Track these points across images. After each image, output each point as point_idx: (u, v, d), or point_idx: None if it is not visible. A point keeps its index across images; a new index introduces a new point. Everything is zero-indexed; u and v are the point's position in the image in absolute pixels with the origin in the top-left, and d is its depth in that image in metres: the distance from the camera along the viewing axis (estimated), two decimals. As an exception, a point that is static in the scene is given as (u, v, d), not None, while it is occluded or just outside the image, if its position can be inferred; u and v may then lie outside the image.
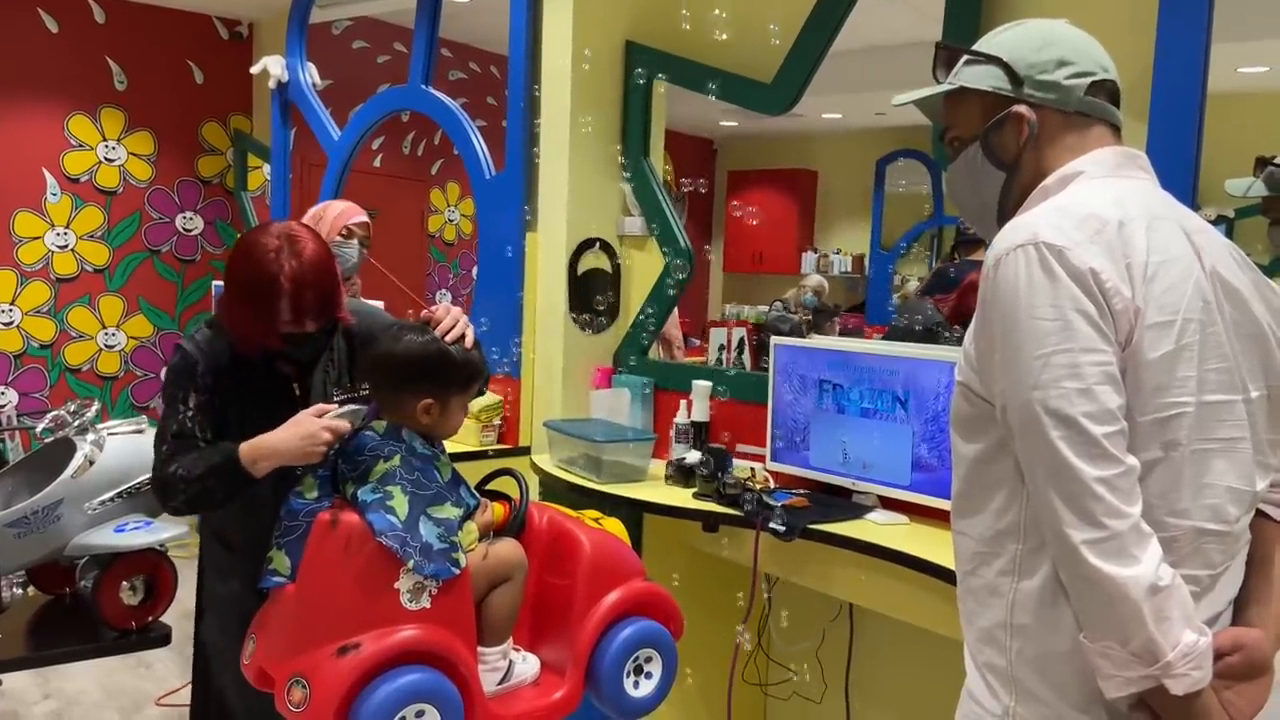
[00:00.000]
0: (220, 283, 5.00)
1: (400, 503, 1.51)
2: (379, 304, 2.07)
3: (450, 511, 1.56)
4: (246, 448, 1.61)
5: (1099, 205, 1.10)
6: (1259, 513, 1.18)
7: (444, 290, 6.51)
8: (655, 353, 3.80)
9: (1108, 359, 1.04)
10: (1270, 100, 4.15)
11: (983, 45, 1.24)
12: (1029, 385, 1.04)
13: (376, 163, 6.07)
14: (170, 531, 3.08)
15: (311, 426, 1.58)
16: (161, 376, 5.48)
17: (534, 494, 1.86)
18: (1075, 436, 1.01)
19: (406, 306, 5.66)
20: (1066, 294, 1.04)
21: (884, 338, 3.37)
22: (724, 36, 2.81)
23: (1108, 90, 1.21)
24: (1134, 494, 1.02)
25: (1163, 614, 0.99)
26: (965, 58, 1.24)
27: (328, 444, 1.58)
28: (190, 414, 1.71)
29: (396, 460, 1.56)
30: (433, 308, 1.68)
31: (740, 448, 2.67)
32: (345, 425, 1.59)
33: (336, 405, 1.67)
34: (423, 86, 3.68)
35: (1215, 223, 3.64)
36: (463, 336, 1.66)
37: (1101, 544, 1.00)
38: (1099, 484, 1.00)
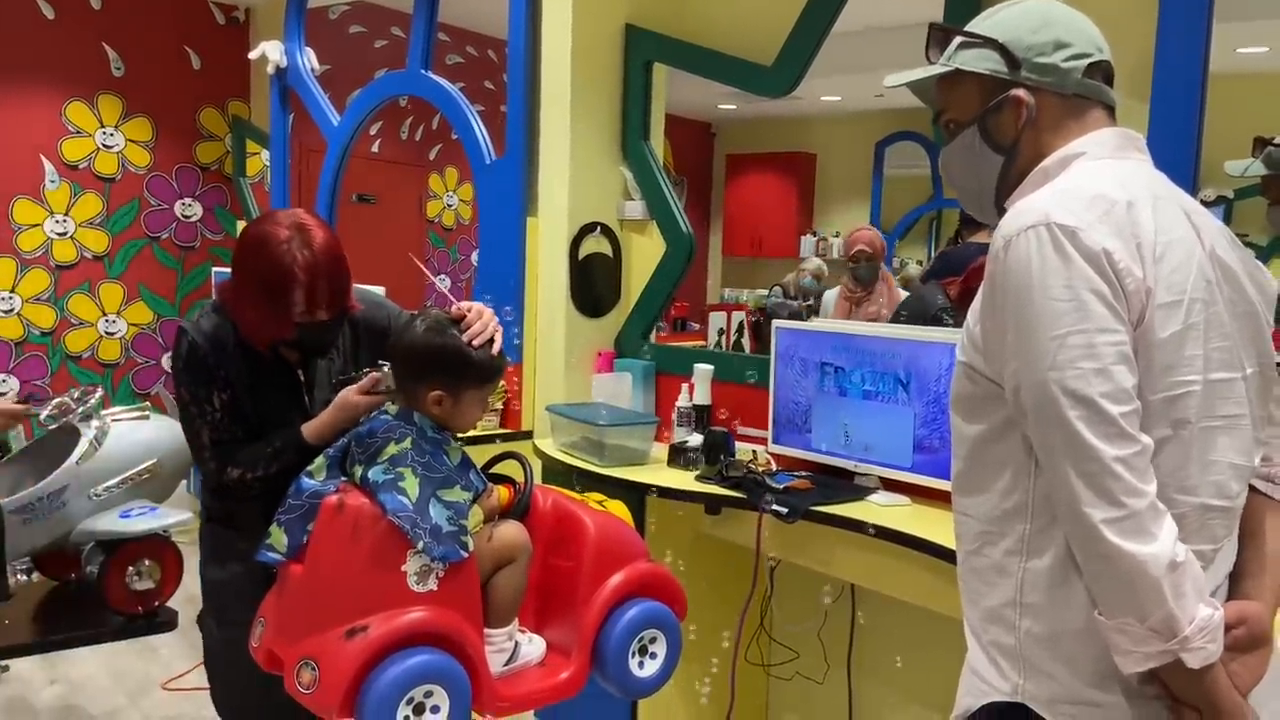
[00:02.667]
0: (220, 269, 5.00)
1: (411, 484, 1.52)
2: (380, 289, 2.07)
3: (460, 495, 1.57)
4: (309, 430, 1.72)
5: (1106, 186, 1.11)
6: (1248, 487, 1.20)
7: (443, 276, 6.51)
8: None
9: (1122, 339, 1.04)
10: (1270, 80, 4.14)
11: (977, 26, 1.24)
12: (1045, 366, 1.05)
13: (375, 148, 6.06)
14: (175, 517, 3.11)
15: (356, 410, 1.71)
16: (165, 363, 5.51)
17: (537, 478, 1.87)
18: (1094, 416, 1.02)
19: (408, 292, 5.66)
20: (1080, 274, 1.04)
21: (895, 320, 3.38)
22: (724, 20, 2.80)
23: (1104, 71, 1.21)
24: (1149, 472, 1.04)
25: (1179, 589, 1.01)
26: (960, 39, 1.24)
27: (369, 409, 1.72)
28: (219, 416, 1.74)
29: (408, 443, 1.57)
30: (466, 305, 1.67)
31: (742, 430, 2.68)
32: (383, 400, 1.70)
33: (378, 377, 1.72)
34: (421, 71, 3.67)
35: (1215, 203, 3.65)
36: (490, 341, 1.65)
37: (1121, 522, 1.01)
38: (1117, 463, 1.01)
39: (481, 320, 1.65)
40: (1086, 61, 1.19)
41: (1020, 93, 1.19)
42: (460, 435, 1.68)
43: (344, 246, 1.76)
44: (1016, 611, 1.15)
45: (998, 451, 1.16)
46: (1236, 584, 1.16)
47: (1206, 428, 1.10)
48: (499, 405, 3.24)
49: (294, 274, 1.64)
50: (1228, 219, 3.57)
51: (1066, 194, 1.10)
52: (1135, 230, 1.08)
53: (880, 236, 4.22)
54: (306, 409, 1.80)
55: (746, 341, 6.35)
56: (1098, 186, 1.10)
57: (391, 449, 1.56)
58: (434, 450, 1.59)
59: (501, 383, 3.23)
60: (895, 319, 3.39)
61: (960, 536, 1.23)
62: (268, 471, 1.72)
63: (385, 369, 1.72)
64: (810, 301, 5.86)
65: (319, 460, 1.60)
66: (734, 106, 8.23)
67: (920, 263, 7.15)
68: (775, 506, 2.19)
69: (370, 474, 1.54)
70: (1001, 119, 1.21)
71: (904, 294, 4.16)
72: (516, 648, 1.64)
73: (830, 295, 4.47)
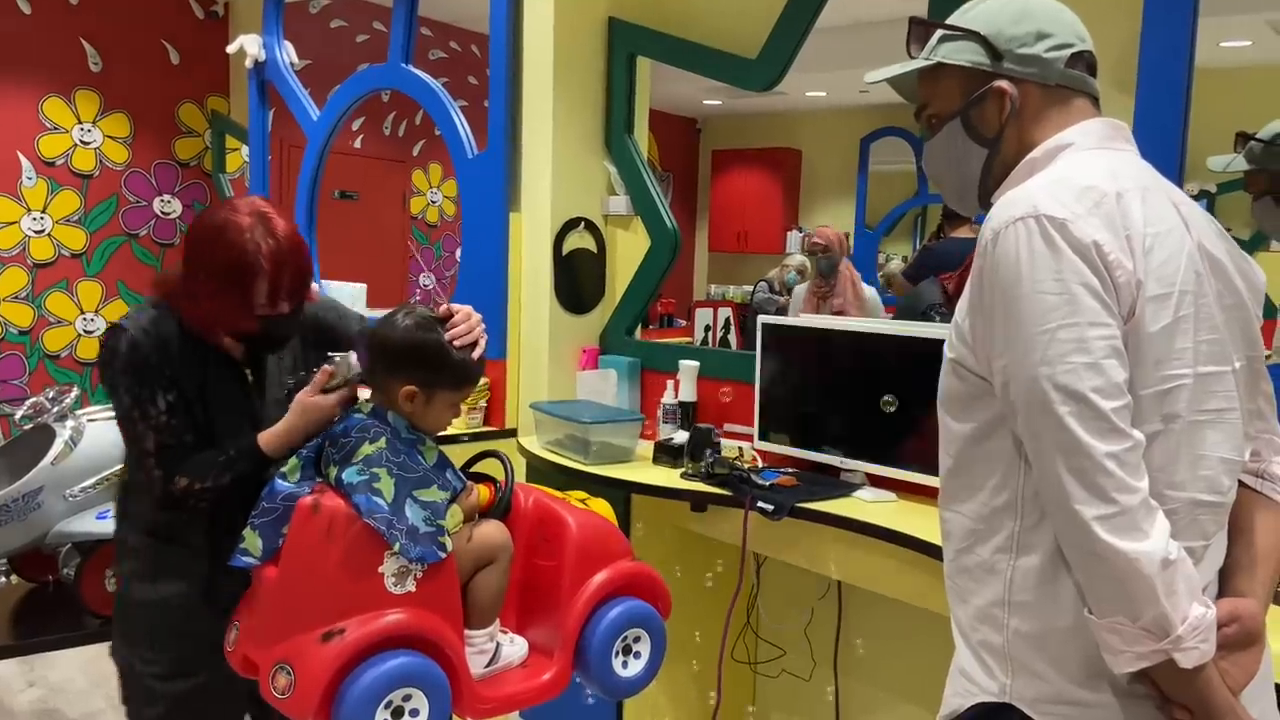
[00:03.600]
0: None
1: (386, 485, 1.49)
2: (363, 286, 2.04)
3: (436, 495, 1.55)
4: (266, 439, 1.61)
5: (1096, 177, 1.09)
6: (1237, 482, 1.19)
7: (428, 273, 6.47)
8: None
9: (1113, 333, 1.03)
10: (1253, 75, 4.16)
11: (958, 19, 1.22)
12: (1035, 361, 1.03)
13: (357, 144, 6.02)
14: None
15: (319, 411, 1.61)
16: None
17: (521, 476, 1.84)
18: (1085, 412, 1.00)
19: (390, 289, 5.61)
20: (1070, 267, 1.02)
21: (894, 318, 3.39)
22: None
23: (1086, 62, 1.20)
24: (1141, 468, 1.02)
25: (1172, 588, 0.99)
26: (940, 32, 1.23)
27: (339, 411, 1.63)
28: (165, 419, 1.59)
29: (382, 443, 1.54)
30: (455, 306, 1.63)
31: (728, 427, 2.66)
32: (348, 393, 1.64)
33: (330, 370, 1.64)
34: (403, 65, 3.63)
35: (1197, 198, 3.65)
36: (474, 345, 1.61)
37: (1113, 519, 0.99)
38: (1109, 459, 0.99)
39: (468, 323, 1.62)
40: (1069, 52, 1.18)
41: (1003, 84, 1.18)
42: (438, 435, 1.65)
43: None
44: (1005, 610, 1.13)
45: (987, 449, 1.14)
46: (1227, 581, 1.15)
47: (1195, 422, 1.08)
48: (482, 404, 3.21)
49: (259, 263, 1.55)
50: (1210, 214, 3.58)
51: (1056, 185, 1.08)
52: (1125, 222, 1.06)
53: (839, 233, 4.57)
54: (256, 410, 1.69)
55: (733, 337, 6.35)
56: (1087, 177, 1.09)
57: (366, 449, 1.53)
58: (409, 450, 1.56)
59: (485, 379, 3.21)
60: (896, 315, 3.43)
61: (949, 535, 1.21)
62: (218, 483, 1.59)
63: (337, 360, 1.65)
64: (796, 297, 5.86)
65: (293, 461, 1.57)
66: (719, 102, 8.22)
67: (905, 258, 7.17)
68: (761, 504, 2.17)
69: (344, 475, 1.51)
70: (984, 111, 1.19)
71: (867, 287, 4.51)
72: (498, 649, 1.62)
73: (800, 290, 4.75)
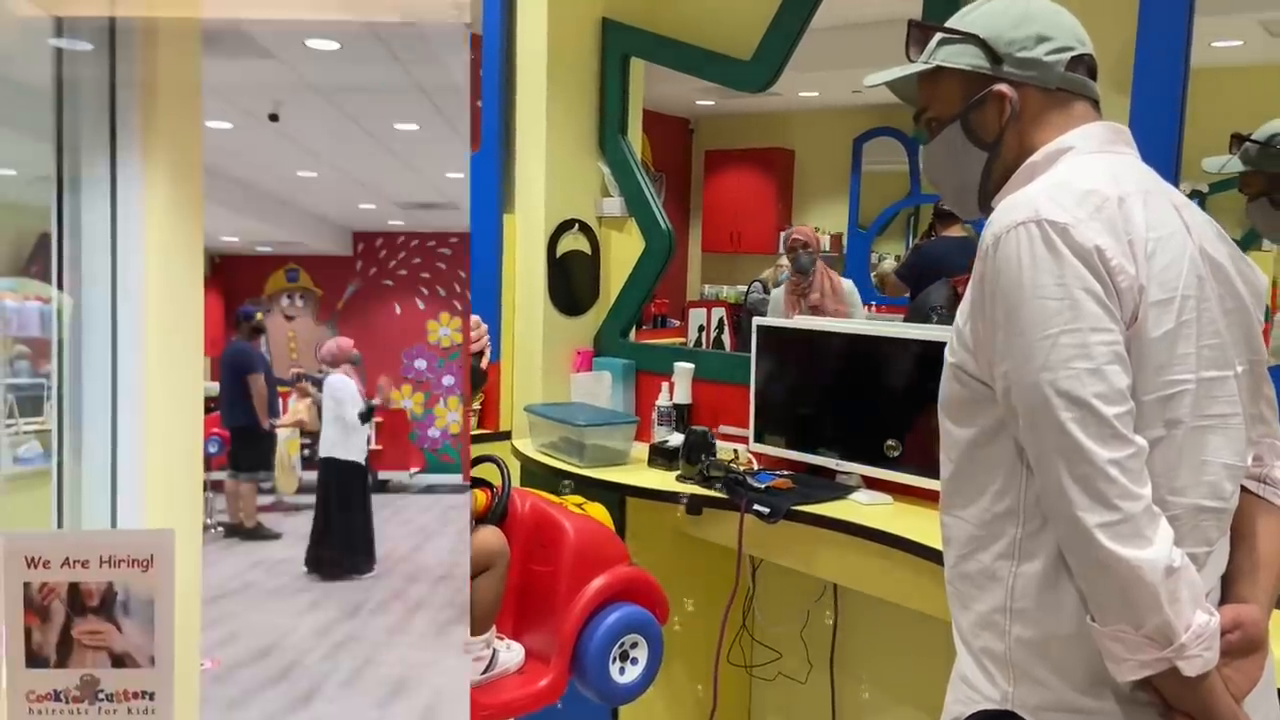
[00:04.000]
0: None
1: None
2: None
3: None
4: None
5: (1097, 181, 1.08)
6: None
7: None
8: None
9: (1115, 338, 1.02)
10: (1244, 75, 4.16)
11: (957, 22, 1.22)
12: (1037, 366, 1.02)
13: (349, 145, 5.98)
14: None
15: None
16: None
17: (515, 480, 1.84)
18: (1088, 418, 0.99)
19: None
20: (1072, 272, 1.02)
21: (906, 319, 3.39)
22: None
23: (1086, 65, 1.20)
24: (1144, 475, 1.01)
25: (1175, 596, 0.98)
26: (940, 36, 1.23)
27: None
28: None
29: None
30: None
31: (723, 429, 2.66)
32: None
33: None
34: (395, 66, 3.62)
35: (1190, 197, 3.66)
36: (481, 353, 1.67)
37: (1115, 527, 0.98)
38: (1112, 466, 0.99)
39: (478, 330, 1.67)
40: (1069, 55, 1.18)
41: (1003, 88, 1.17)
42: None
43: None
44: (1007, 617, 1.12)
45: (989, 455, 1.13)
46: (1230, 587, 1.14)
47: (1198, 427, 1.08)
48: (476, 406, 3.20)
49: None
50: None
51: (1057, 189, 1.08)
52: (1127, 226, 1.05)
53: (814, 231, 4.73)
54: None
55: (727, 338, 6.34)
56: (1089, 181, 1.08)
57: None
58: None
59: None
60: (908, 317, 3.43)
61: (950, 541, 1.21)
62: None
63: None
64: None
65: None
66: (712, 102, 8.21)
67: (898, 258, 7.17)
68: (757, 506, 2.17)
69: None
70: (984, 115, 1.19)
71: (845, 281, 4.50)
72: (494, 655, 1.61)
73: (777, 292, 4.77)
